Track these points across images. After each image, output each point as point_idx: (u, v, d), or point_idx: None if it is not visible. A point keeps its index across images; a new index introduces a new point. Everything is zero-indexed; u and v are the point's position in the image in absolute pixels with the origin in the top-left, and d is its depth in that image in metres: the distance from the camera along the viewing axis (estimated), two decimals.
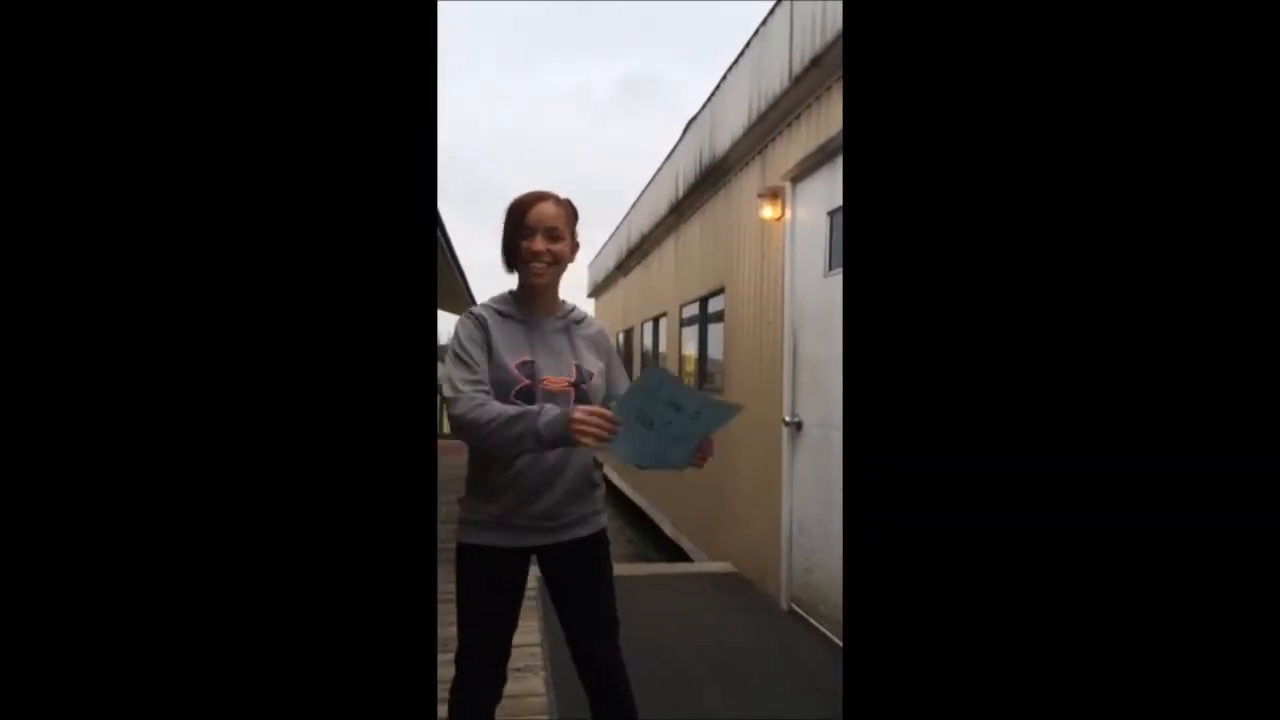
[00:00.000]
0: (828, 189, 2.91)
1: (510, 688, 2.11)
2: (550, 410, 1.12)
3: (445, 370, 1.23)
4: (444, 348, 1.35)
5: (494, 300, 1.33)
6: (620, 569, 4.04)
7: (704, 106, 4.41)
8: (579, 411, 1.08)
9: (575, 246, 1.33)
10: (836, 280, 2.80)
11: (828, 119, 2.81)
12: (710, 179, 4.34)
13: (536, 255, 1.25)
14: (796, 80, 2.93)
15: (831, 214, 2.87)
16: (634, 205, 6.88)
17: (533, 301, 1.31)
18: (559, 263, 1.28)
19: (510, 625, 1.32)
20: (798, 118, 3.11)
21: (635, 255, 6.94)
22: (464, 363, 1.22)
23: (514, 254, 1.28)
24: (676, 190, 5.10)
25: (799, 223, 3.14)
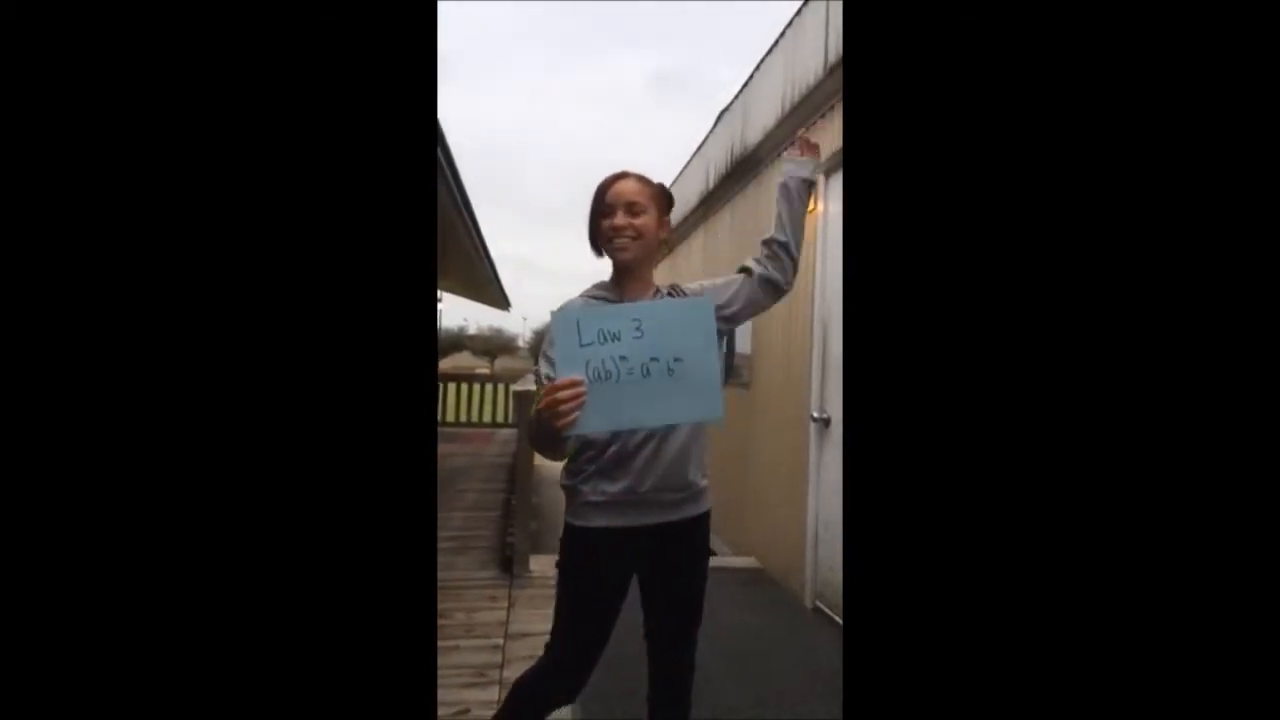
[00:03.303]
0: None
1: (520, 675, 2.12)
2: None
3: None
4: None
5: (591, 287, 1.32)
6: None
7: (736, 97, 4.36)
8: (545, 396, 1.01)
9: (664, 225, 1.31)
10: None
11: None
12: (741, 171, 4.29)
13: (617, 231, 1.25)
14: (831, 71, 2.88)
15: None
16: None
17: (625, 282, 1.29)
18: (642, 238, 1.26)
19: (616, 614, 1.30)
20: (831, 109, 3.05)
21: (662, 247, 6.91)
22: (546, 362, 1.21)
23: (597, 233, 1.28)
24: (707, 182, 5.06)
25: (831, 216, 3.09)
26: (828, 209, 3.12)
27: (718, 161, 4.78)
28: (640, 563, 1.31)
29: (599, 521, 1.24)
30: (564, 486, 1.30)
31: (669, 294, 1.32)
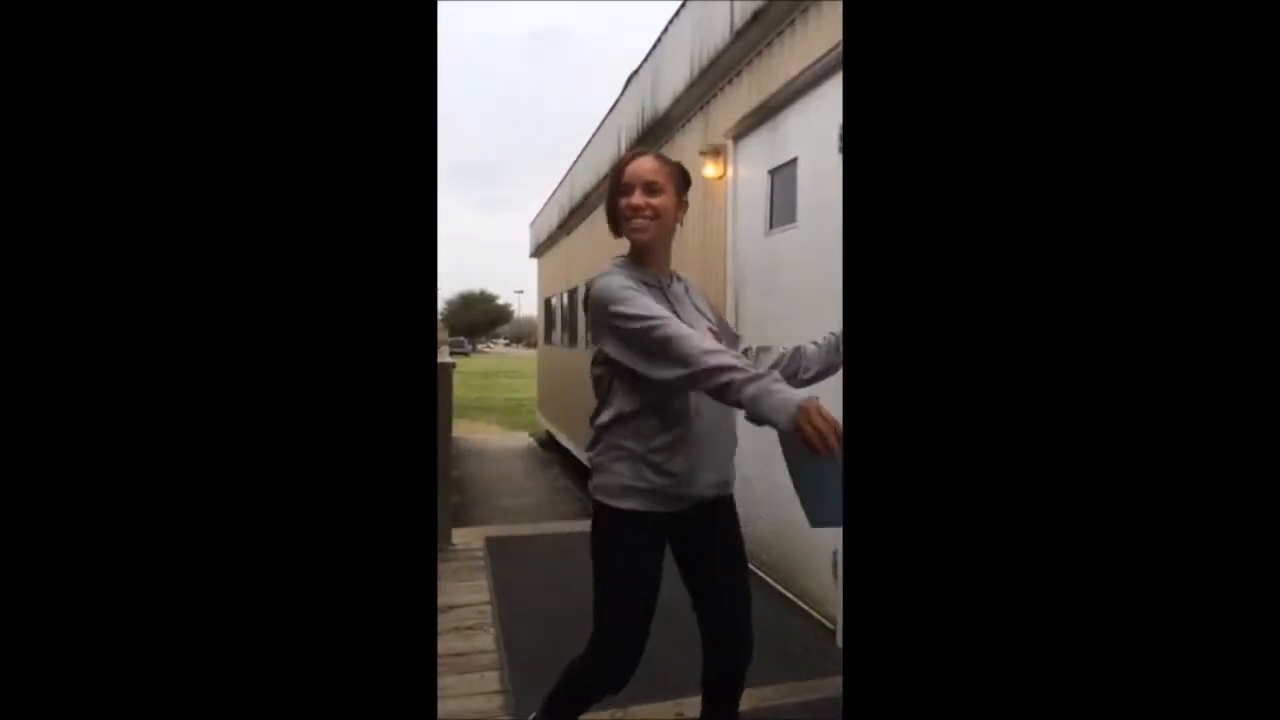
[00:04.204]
0: (769, 147, 2.92)
1: (458, 645, 2.13)
2: (784, 385, 0.98)
3: (629, 323, 1.12)
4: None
5: (618, 263, 1.27)
6: (570, 526, 4.04)
7: (645, 61, 4.33)
8: (815, 407, 0.92)
9: (682, 205, 1.28)
10: (777, 239, 2.83)
11: (769, 75, 2.81)
12: (653, 136, 4.29)
13: (636, 210, 1.22)
14: (738, 35, 2.90)
15: (772, 172, 2.89)
16: (576, 162, 6.75)
17: (647, 264, 1.27)
18: (660, 218, 1.23)
19: (656, 593, 1.27)
20: (739, 74, 3.09)
21: (578, 214, 6.84)
22: (641, 305, 1.12)
23: (615, 212, 1.25)
24: (619, 147, 5.02)
25: (741, 181, 3.15)
26: (737, 173, 3.18)
27: (629, 127, 4.75)
28: (675, 541, 1.31)
29: (631, 505, 1.21)
30: (594, 461, 1.26)
31: (685, 284, 1.32)
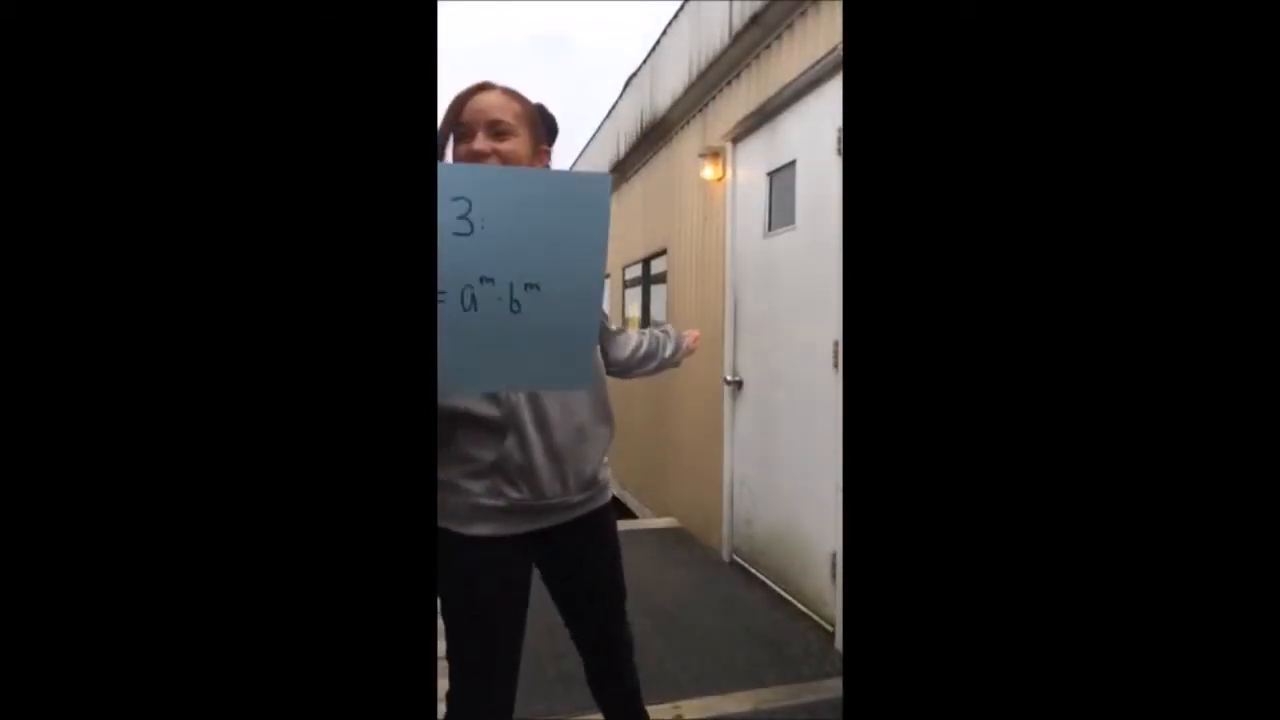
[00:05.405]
0: (767, 149, 2.92)
1: None
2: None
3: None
4: None
5: None
6: None
7: (644, 63, 4.34)
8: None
9: (541, 155, 0.98)
10: (776, 241, 2.84)
11: (767, 78, 2.81)
12: (651, 138, 4.29)
13: (478, 158, 0.91)
14: (736, 38, 2.91)
15: (771, 174, 2.90)
16: (574, 165, 6.76)
17: None
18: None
19: (521, 636, 1.05)
20: (738, 76, 3.10)
21: None
22: None
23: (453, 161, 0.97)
24: (618, 149, 5.04)
25: (740, 183, 3.16)
26: (736, 175, 3.19)
27: (628, 129, 4.76)
28: (540, 563, 1.13)
29: (487, 529, 1.00)
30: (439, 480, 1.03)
31: None
